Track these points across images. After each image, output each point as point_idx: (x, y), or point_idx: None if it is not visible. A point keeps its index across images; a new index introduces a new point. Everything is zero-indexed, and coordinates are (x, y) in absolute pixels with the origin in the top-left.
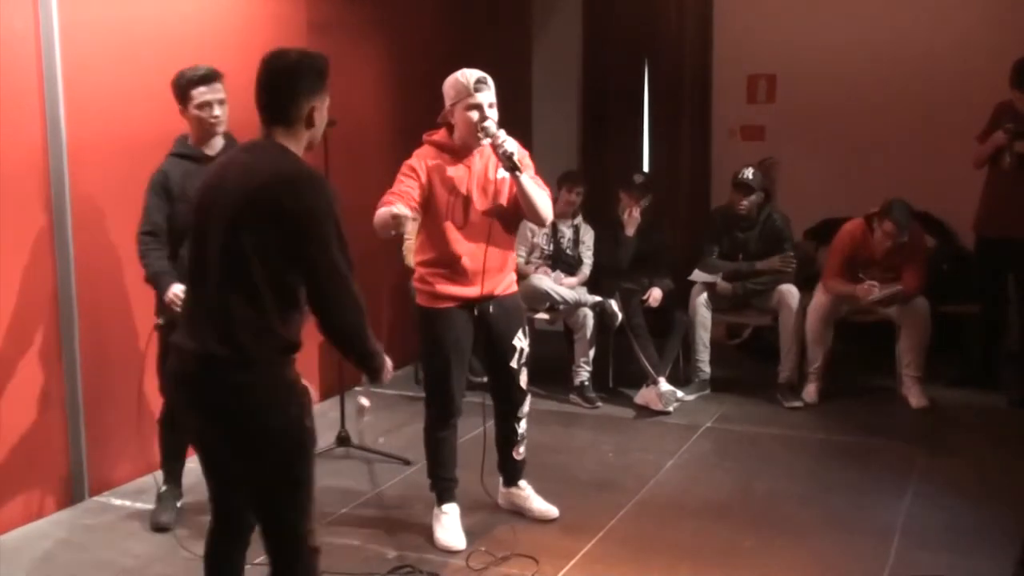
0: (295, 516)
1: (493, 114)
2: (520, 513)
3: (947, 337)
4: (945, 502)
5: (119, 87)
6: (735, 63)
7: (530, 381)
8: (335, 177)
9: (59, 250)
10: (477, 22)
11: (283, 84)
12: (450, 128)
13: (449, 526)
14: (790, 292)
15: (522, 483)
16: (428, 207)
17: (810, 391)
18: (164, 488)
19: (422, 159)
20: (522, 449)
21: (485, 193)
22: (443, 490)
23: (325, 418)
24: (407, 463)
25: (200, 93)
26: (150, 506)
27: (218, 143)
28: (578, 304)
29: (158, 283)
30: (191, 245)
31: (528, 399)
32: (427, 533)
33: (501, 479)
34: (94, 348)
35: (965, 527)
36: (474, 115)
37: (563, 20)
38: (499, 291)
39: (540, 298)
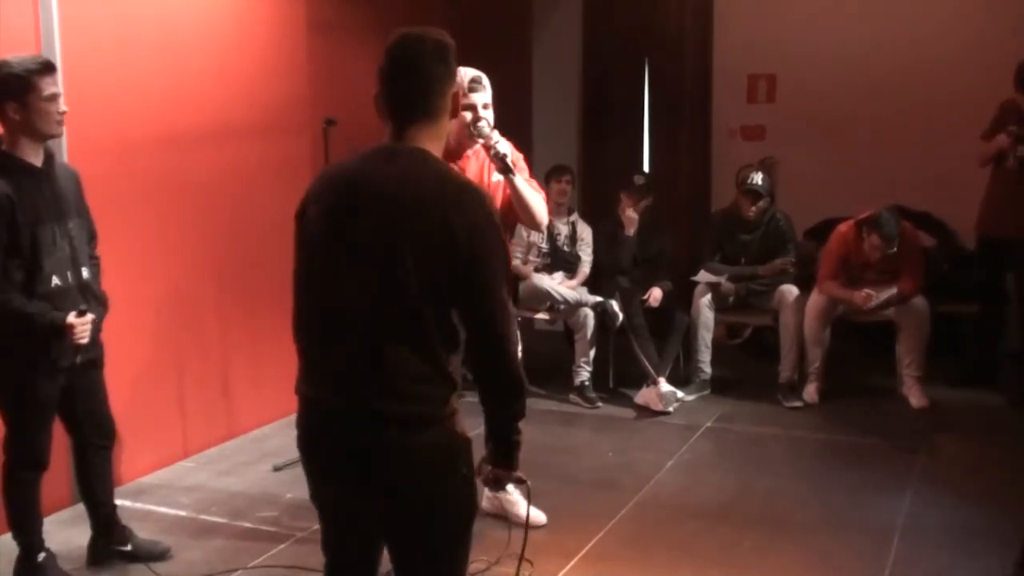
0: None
1: (488, 115)
2: (506, 518)
3: (947, 337)
4: (945, 502)
5: (119, 87)
6: (735, 63)
7: (530, 384)
8: None
9: None
10: (477, 22)
11: (424, 71)
12: None
13: None
14: (790, 292)
15: (509, 487)
16: None
17: (810, 391)
18: (44, 555)
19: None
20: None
21: None
22: None
23: None
24: None
25: (48, 84)
26: (150, 506)
27: (42, 152)
28: (579, 304)
29: (44, 321)
30: (312, 283)
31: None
32: None
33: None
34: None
35: (965, 527)
36: (467, 115)
37: (563, 20)
38: None
39: (540, 298)
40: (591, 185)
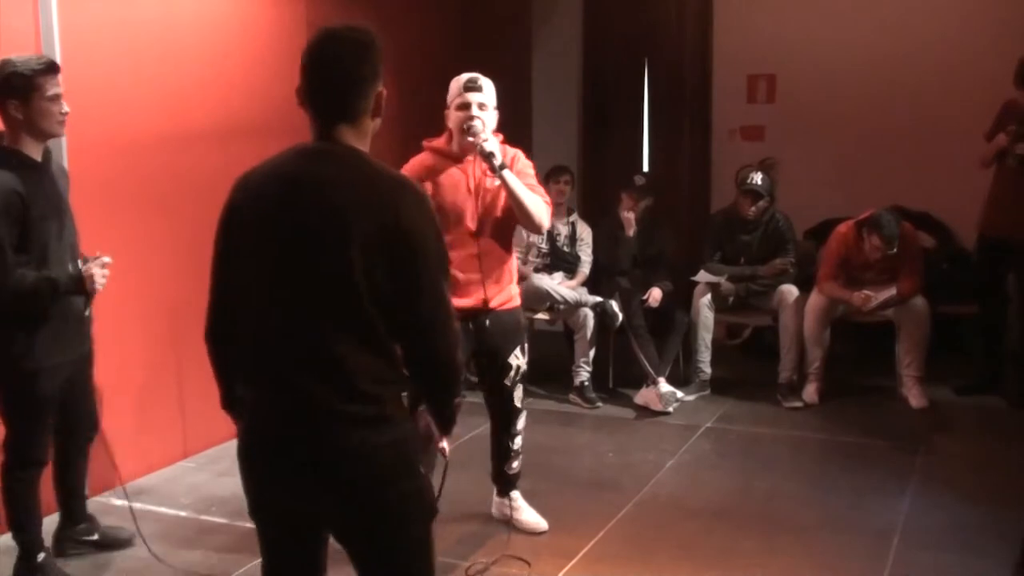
0: None
1: (489, 116)
2: (510, 523)
3: (947, 337)
4: (945, 502)
5: (119, 87)
6: (735, 63)
7: (530, 384)
8: None
9: None
10: (477, 22)
11: (344, 72)
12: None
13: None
14: (790, 293)
15: (514, 494)
16: None
17: (810, 391)
18: (44, 555)
19: (414, 170)
20: (515, 464)
21: (481, 200)
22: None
23: None
24: None
25: (51, 84)
26: (150, 506)
27: (41, 149)
28: (578, 304)
29: (65, 277)
30: (253, 282)
31: (523, 416)
32: None
33: (495, 488)
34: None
35: (965, 527)
36: (460, 115)
37: (563, 20)
38: (496, 304)
39: (540, 298)
40: (591, 185)
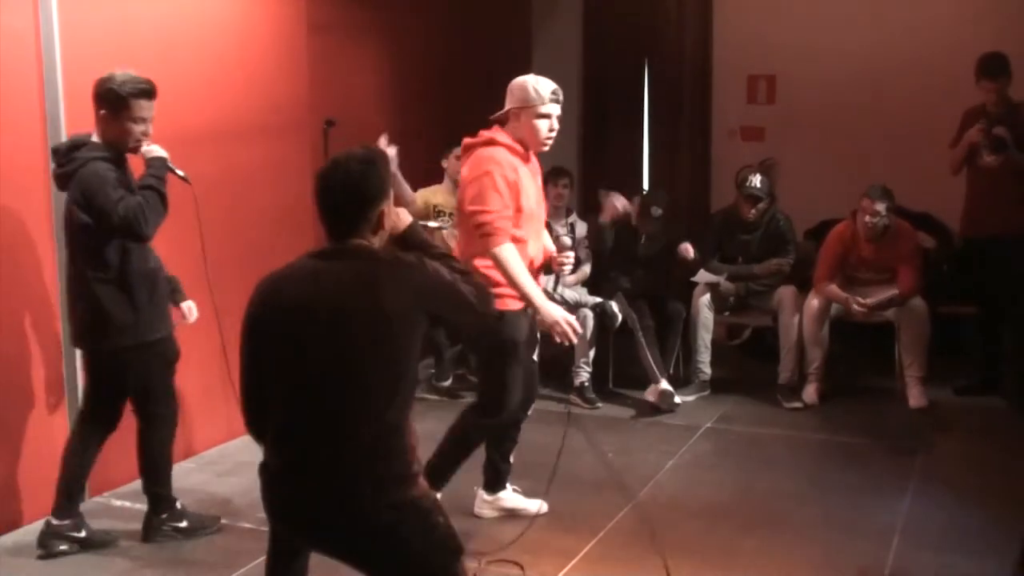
0: None
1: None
2: (512, 516)
3: (947, 337)
4: (945, 502)
5: None
6: (735, 63)
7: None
8: None
9: (60, 250)
10: (477, 23)
11: (349, 197)
12: (500, 124)
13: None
14: (790, 293)
15: (508, 486)
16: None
17: (810, 392)
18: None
19: (511, 168)
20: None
21: (538, 197)
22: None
23: None
24: None
25: (142, 107)
26: None
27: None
28: (578, 304)
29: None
30: (289, 367)
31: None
32: None
33: (483, 487)
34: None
35: (965, 527)
36: (542, 124)
37: (563, 20)
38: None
39: None
40: (591, 185)
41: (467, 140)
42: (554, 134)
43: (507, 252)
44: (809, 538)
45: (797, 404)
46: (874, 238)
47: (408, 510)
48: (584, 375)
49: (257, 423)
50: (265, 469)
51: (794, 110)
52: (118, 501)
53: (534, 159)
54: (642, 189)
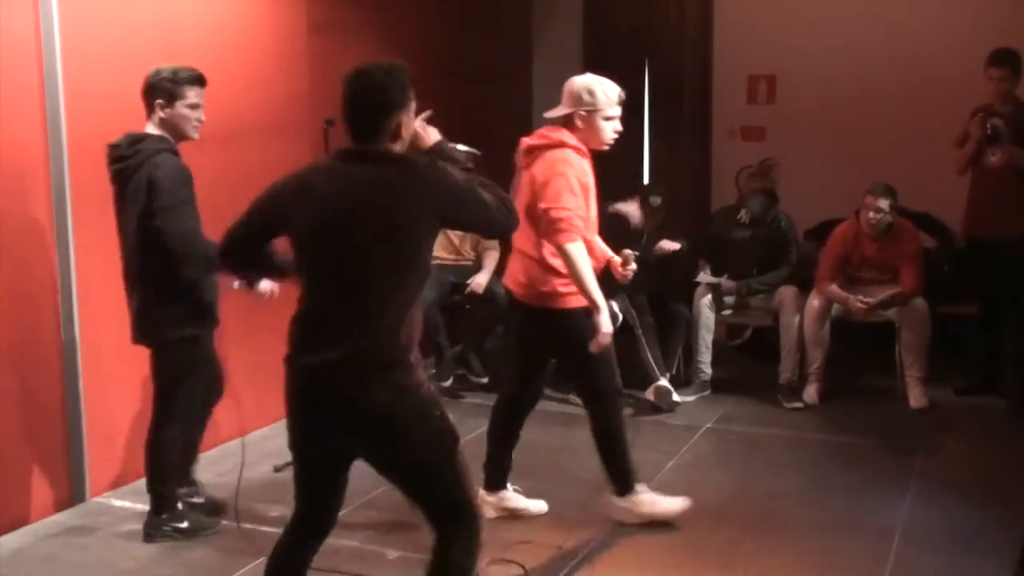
0: (461, 488)
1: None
2: (513, 517)
3: (947, 338)
4: (945, 503)
5: (119, 87)
6: (735, 63)
7: None
8: None
9: (60, 250)
10: (477, 22)
11: (369, 105)
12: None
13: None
14: (791, 293)
15: (510, 485)
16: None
17: (810, 392)
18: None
19: (582, 171)
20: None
21: (593, 201)
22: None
23: None
24: None
25: (195, 93)
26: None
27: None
28: None
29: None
30: (316, 258)
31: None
32: (428, 532)
33: (484, 486)
34: (95, 348)
35: (965, 528)
36: (608, 126)
37: (563, 20)
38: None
39: None
40: None
41: (530, 141)
42: (617, 135)
43: (578, 250)
44: (809, 538)
45: (797, 404)
46: (878, 235)
47: (405, 393)
48: None
49: (231, 259)
50: (289, 367)
51: (794, 110)
52: (118, 501)
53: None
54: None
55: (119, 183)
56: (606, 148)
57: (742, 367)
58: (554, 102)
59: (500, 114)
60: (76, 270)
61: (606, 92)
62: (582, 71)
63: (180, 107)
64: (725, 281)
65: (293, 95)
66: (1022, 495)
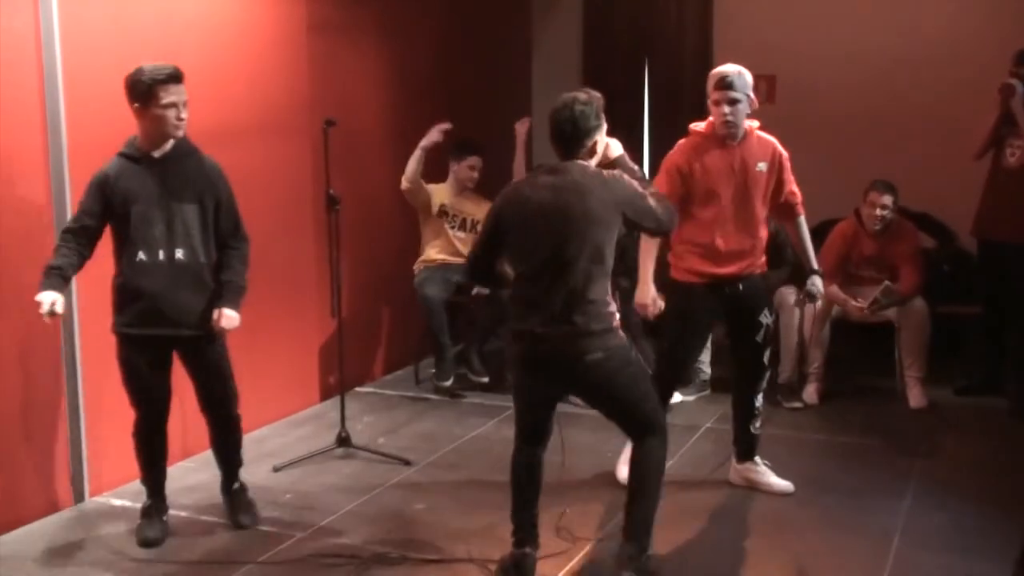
0: (651, 407)
1: (742, 108)
2: (755, 488)
3: (948, 339)
4: (945, 503)
5: (119, 87)
6: (735, 63)
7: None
8: (335, 176)
9: None
10: (477, 22)
11: (575, 130)
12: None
13: None
14: (790, 293)
15: (757, 459)
16: (689, 193)
17: (810, 392)
18: (148, 502)
19: (684, 156)
20: (758, 424)
21: (741, 182)
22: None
23: (325, 418)
24: (407, 463)
25: (168, 92)
26: None
27: (168, 146)
28: None
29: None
30: (534, 253)
31: (767, 375)
32: (429, 532)
33: (734, 455)
34: (95, 348)
35: (965, 528)
36: (715, 110)
37: (563, 20)
38: (748, 271)
39: None
40: None
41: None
42: (729, 118)
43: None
44: (809, 538)
45: (797, 404)
46: (879, 232)
47: (613, 351)
48: None
49: (478, 276)
50: (519, 336)
51: (794, 110)
52: (118, 501)
53: (738, 151)
54: None
55: None
56: (724, 132)
57: None
58: (554, 101)
59: (500, 114)
60: None
61: (710, 78)
62: (582, 71)
63: (155, 109)
64: None
65: (293, 95)
66: (1022, 495)
